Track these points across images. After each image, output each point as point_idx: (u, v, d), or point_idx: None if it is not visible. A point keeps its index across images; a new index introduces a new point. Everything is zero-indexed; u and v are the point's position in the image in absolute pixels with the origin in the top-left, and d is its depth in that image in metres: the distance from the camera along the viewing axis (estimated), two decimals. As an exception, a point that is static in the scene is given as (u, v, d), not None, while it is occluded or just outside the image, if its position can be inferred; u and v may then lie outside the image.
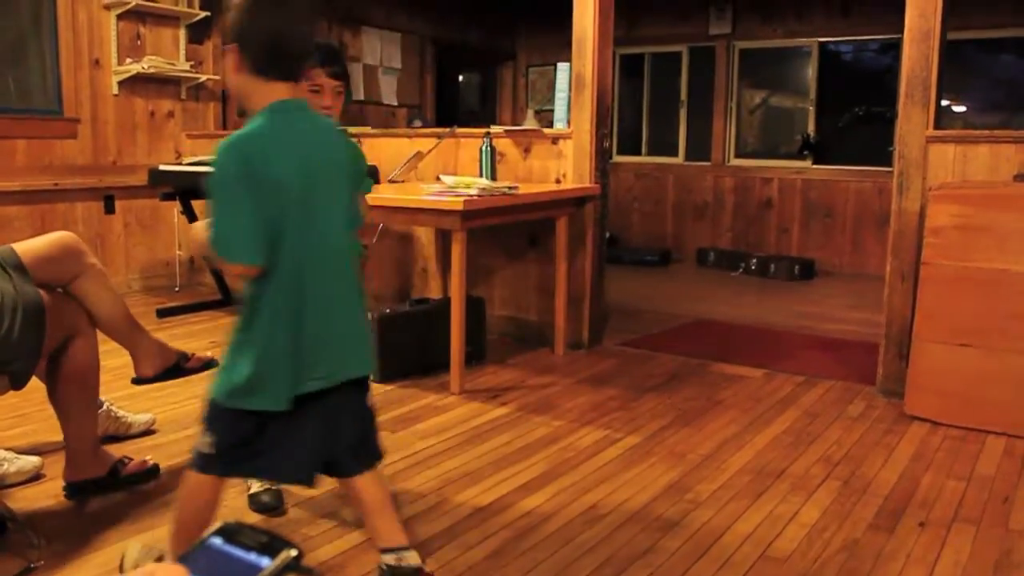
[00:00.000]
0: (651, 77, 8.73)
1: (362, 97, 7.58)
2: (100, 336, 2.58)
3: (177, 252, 5.89)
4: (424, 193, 3.71)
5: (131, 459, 2.66)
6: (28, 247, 2.46)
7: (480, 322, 4.18)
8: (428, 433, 3.18)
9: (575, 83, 4.38)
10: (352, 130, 5.33)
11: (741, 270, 7.40)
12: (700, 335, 5.00)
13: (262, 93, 1.76)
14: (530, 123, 5.01)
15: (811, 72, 7.79)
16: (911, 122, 3.59)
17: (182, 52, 5.49)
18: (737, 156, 8.18)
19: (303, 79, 1.88)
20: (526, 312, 4.67)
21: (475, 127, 4.88)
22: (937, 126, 3.59)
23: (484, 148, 4.35)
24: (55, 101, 4.92)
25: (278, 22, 1.74)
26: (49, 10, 4.83)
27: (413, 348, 3.91)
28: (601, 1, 4.27)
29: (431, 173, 4.77)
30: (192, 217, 5.00)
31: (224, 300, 5.22)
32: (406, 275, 5.13)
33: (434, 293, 4.86)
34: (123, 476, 2.60)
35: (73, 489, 2.55)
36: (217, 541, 0.56)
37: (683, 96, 8.43)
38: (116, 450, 2.71)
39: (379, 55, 7.79)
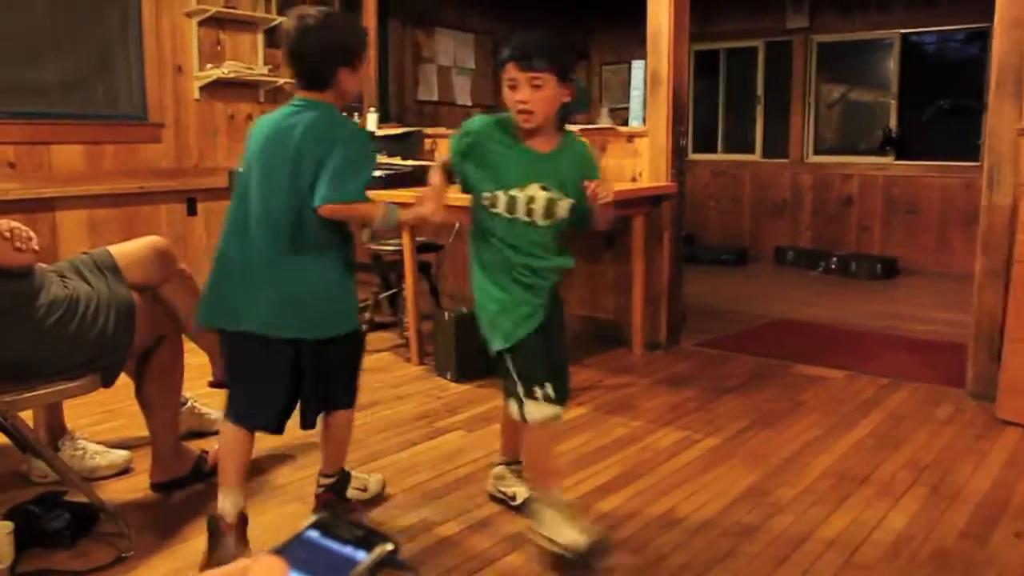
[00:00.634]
0: (727, 73, 8.59)
1: (436, 98, 7.64)
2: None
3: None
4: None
5: (208, 452, 2.72)
6: (122, 250, 2.54)
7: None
8: (503, 433, 3.18)
9: (650, 80, 4.33)
10: (427, 130, 5.38)
11: (821, 269, 7.23)
12: (780, 335, 4.90)
13: None
14: (604, 121, 4.98)
15: (893, 65, 7.55)
16: (1002, 114, 3.45)
17: (260, 56, 5.59)
18: (816, 152, 7.99)
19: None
20: (603, 312, 4.64)
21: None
22: (1030, 118, 3.45)
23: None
24: (140, 107, 5.06)
25: None
26: (135, 19, 4.97)
27: (489, 348, 3.91)
28: (676, -3, 4.22)
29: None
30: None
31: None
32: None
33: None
34: (206, 471, 2.67)
35: (159, 488, 2.63)
36: (314, 534, 0.56)
37: (759, 92, 8.27)
38: (198, 446, 2.80)
39: (453, 56, 7.84)
